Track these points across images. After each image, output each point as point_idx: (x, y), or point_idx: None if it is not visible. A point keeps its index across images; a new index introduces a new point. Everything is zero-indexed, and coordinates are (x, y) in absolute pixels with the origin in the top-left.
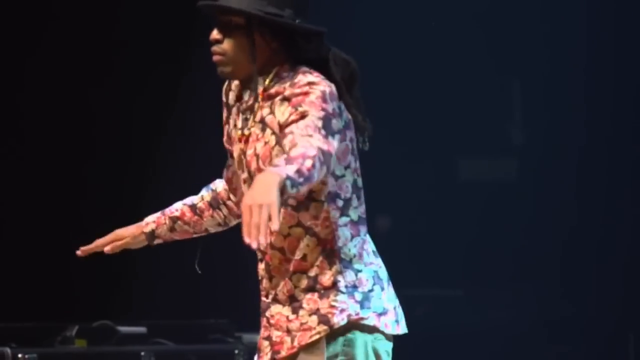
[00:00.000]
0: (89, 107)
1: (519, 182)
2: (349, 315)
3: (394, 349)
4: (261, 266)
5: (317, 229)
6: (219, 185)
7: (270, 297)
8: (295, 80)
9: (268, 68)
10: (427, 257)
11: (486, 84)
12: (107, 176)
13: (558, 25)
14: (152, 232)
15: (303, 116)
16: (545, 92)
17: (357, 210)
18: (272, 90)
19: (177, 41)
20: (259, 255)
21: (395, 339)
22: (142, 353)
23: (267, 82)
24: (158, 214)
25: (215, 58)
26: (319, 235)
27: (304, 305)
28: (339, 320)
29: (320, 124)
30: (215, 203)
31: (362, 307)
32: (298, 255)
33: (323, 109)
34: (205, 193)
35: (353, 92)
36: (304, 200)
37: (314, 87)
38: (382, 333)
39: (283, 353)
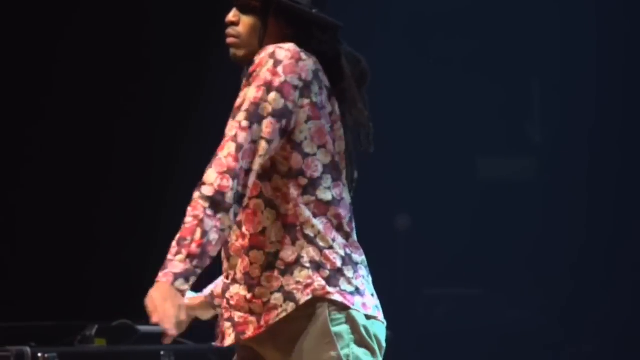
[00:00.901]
0: (108, 107)
1: (537, 181)
2: (314, 290)
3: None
4: (223, 248)
5: (277, 201)
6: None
7: (230, 277)
8: (266, 49)
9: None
10: (446, 257)
11: (505, 83)
12: (126, 176)
13: (577, 25)
14: (211, 294)
15: (238, 108)
16: (564, 92)
17: (330, 191)
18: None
19: (196, 41)
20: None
21: (414, 338)
22: (162, 352)
23: None
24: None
25: (229, 40)
26: (279, 209)
27: (263, 283)
28: (303, 296)
29: (247, 112)
30: None
31: (329, 283)
32: (257, 229)
33: (261, 86)
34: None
35: (361, 91)
36: (268, 171)
37: (268, 59)
38: (357, 311)
39: (249, 333)
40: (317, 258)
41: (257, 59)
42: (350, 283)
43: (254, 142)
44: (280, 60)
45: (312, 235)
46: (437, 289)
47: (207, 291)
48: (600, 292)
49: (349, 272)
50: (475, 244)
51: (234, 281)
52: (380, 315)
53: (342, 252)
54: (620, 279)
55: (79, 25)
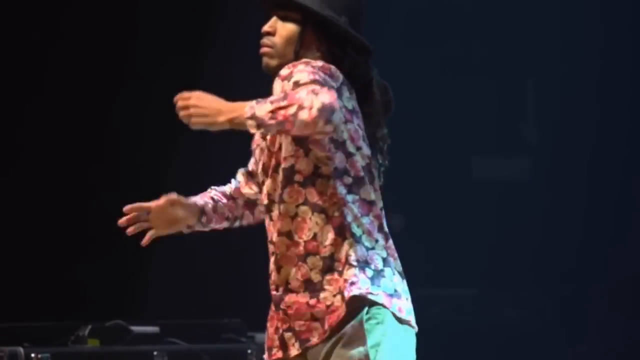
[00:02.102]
0: (102, 106)
1: (532, 181)
2: (359, 289)
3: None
4: (271, 260)
5: (324, 205)
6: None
7: (281, 289)
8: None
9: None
10: (441, 257)
11: (500, 84)
12: (120, 176)
13: (572, 25)
14: (202, 208)
15: (297, 85)
16: (559, 92)
17: (370, 194)
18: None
19: (190, 41)
20: (270, 249)
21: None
22: (155, 353)
23: None
24: (198, 196)
25: (264, 50)
26: (327, 212)
27: (326, 286)
28: (349, 292)
29: (318, 79)
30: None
31: (372, 283)
32: (308, 236)
33: (315, 73)
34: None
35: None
36: (310, 176)
37: (303, 64)
38: (394, 315)
39: (314, 340)
40: (363, 257)
41: (288, 66)
42: (389, 285)
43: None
44: (314, 65)
45: (358, 234)
46: (432, 290)
47: (194, 198)
48: (599, 292)
49: (388, 274)
50: (471, 244)
51: (289, 291)
52: (412, 320)
53: (383, 254)
54: (618, 278)
55: (72, 22)
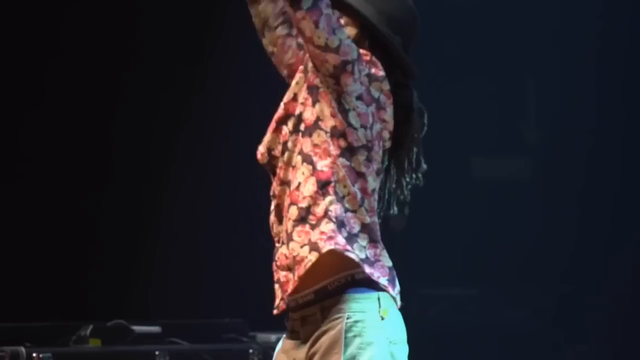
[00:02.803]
0: (108, 107)
1: (532, 181)
2: (337, 244)
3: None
4: (273, 212)
5: (314, 157)
6: None
7: (280, 240)
8: None
9: None
10: (441, 257)
11: (500, 83)
12: (123, 178)
13: (573, 24)
14: None
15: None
16: (559, 92)
17: (363, 166)
18: None
19: (194, 43)
20: (272, 202)
21: (410, 339)
22: (157, 352)
23: None
24: None
25: None
26: (315, 164)
27: (295, 237)
28: (325, 245)
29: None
30: None
31: (348, 242)
32: (294, 185)
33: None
34: None
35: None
36: (310, 126)
37: None
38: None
39: (289, 290)
40: (341, 217)
41: None
42: (361, 251)
43: (334, 31)
44: (362, 51)
45: (341, 194)
46: (432, 290)
47: None
48: (597, 292)
49: (363, 241)
50: (471, 244)
51: (282, 243)
52: (391, 289)
53: (365, 220)
54: (617, 278)
55: (75, 25)
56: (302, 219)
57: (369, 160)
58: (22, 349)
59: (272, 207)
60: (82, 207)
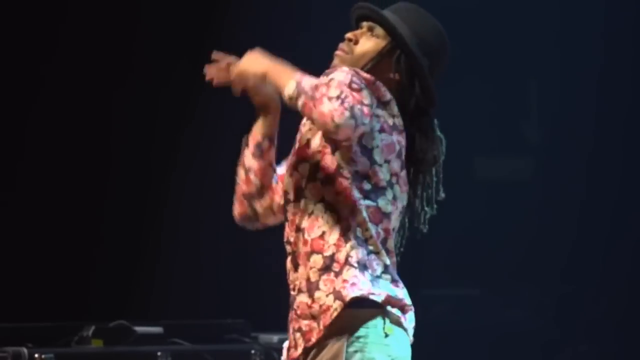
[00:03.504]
0: (109, 109)
1: (534, 181)
2: (360, 290)
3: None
4: (288, 259)
5: (338, 205)
6: None
7: (297, 288)
8: None
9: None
10: (443, 257)
11: (503, 84)
12: (125, 178)
13: (574, 26)
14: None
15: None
16: (561, 92)
17: (390, 205)
18: None
19: (193, 45)
20: (287, 249)
21: (413, 338)
22: (159, 353)
23: None
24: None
25: (339, 52)
26: (339, 212)
27: (321, 286)
28: (349, 292)
29: (347, 82)
30: None
31: (372, 285)
32: (316, 234)
33: (355, 77)
34: None
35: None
36: (331, 174)
37: (356, 72)
38: (393, 320)
39: (313, 340)
40: (363, 260)
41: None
42: (389, 287)
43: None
44: (361, 74)
45: (363, 238)
46: (434, 290)
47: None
48: (597, 292)
49: (386, 279)
50: (473, 244)
51: (300, 291)
52: (404, 320)
53: (386, 261)
54: (616, 278)
55: (74, 27)
56: (326, 268)
57: (395, 198)
58: (24, 350)
59: (288, 253)
60: (84, 208)
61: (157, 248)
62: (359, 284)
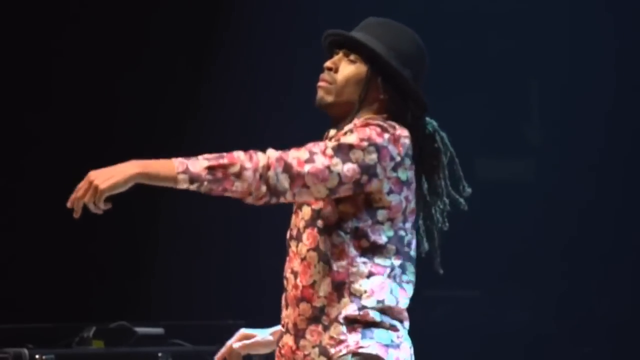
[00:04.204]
0: (108, 112)
1: (535, 182)
2: (347, 347)
3: None
4: (283, 294)
5: (332, 257)
6: None
7: (285, 326)
8: (364, 120)
9: (363, 113)
10: (444, 258)
11: (504, 85)
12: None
13: (576, 27)
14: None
15: (338, 144)
16: (562, 93)
17: (391, 260)
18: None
19: (196, 46)
20: (284, 283)
21: (413, 340)
22: (160, 354)
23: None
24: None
25: (322, 84)
26: (331, 265)
27: (307, 336)
28: (336, 350)
29: (338, 147)
30: None
31: (363, 336)
32: (307, 282)
33: (364, 139)
34: None
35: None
36: (331, 226)
37: (371, 124)
38: None
39: None
40: (353, 315)
41: (359, 123)
42: (384, 335)
43: (328, 170)
44: (387, 129)
45: (357, 294)
46: (435, 291)
47: (273, 330)
48: (598, 293)
49: (384, 326)
50: (474, 245)
51: (287, 330)
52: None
53: (390, 303)
54: (617, 279)
55: (79, 26)
56: (315, 319)
57: (400, 247)
58: (25, 351)
59: (284, 288)
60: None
61: (157, 249)
62: (347, 340)
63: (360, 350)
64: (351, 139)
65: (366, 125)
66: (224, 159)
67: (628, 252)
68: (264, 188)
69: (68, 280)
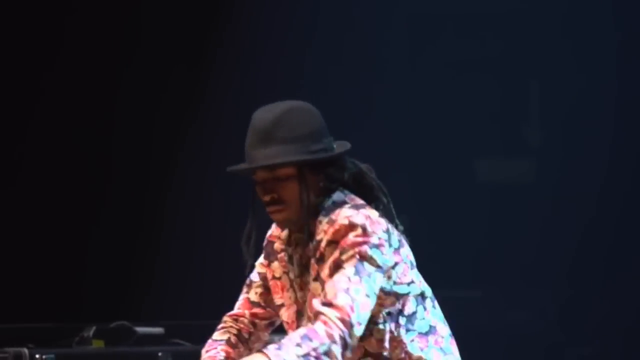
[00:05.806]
0: (106, 114)
1: (536, 183)
2: None
3: None
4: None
5: (385, 352)
6: (234, 325)
7: None
8: (333, 217)
9: (316, 202)
10: (444, 258)
11: (504, 85)
12: (125, 179)
13: (576, 27)
14: None
15: (338, 267)
16: (563, 94)
17: (425, 321)
18: (318, 237)
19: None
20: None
21: None
22: (160, 354)
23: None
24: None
25: (279, 217)
26: (388, 358)
27: None
28: None
29: (353, 271)
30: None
31: None
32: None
33: (360, 253)
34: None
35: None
36: (365, 328)
37: (353, 225)
38: None
39: None
40: None
41: (330, 228)
42: None
43: (367, 297)
44: (362, 224)
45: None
46: (436, 291)
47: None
48: (600, 294)
49: None
50: (475, 245)
51: None
52: None
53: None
54: (619, 280)
55: (76, 27)
56: None
57: (422, 301)
58: (25, 350)
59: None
60: (85, 208)
61: (157, 249)
62: None
63: None
64: (350, 253)
65: (338, 231)
66: (311, 339)
67: (630, 253)
68: (347, 353)
69: (68, 280)
